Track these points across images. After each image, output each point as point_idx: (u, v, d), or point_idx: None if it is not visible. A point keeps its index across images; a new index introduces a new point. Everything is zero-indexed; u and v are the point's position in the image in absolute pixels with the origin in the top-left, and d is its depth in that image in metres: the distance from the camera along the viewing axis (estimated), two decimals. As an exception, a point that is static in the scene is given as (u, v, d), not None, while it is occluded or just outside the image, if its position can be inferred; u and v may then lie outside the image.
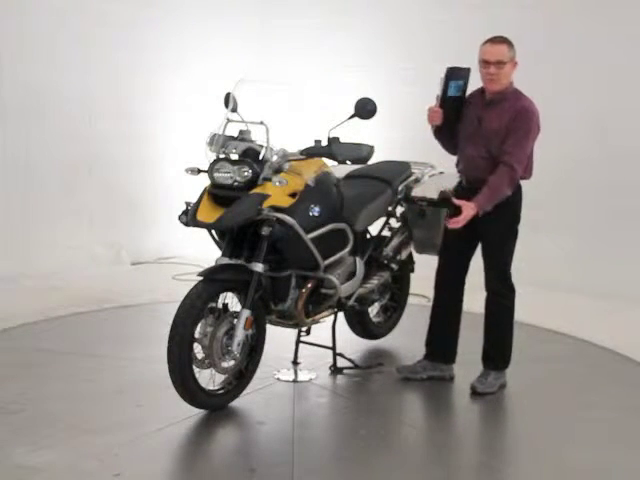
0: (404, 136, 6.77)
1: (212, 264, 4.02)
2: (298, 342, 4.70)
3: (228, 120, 4.15)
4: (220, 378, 4.11)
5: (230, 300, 4.09)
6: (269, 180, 3.97)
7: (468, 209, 4.16)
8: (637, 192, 6.54)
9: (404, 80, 7.18)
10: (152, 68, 7.40)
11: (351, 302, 4.64)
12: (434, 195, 4.59)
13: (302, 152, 4.18)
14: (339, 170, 4.74)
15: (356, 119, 4.13)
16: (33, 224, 6.78)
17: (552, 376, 4.77)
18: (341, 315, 4.85)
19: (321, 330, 4.66)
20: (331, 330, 4.65)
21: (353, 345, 5.06)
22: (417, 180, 4.96)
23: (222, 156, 4.06)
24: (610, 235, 6.58)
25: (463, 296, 4.58)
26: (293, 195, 4.10)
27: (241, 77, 4.24)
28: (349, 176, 4.86)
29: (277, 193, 4.00)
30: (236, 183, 4.00)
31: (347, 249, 4.49)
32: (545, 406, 4.34)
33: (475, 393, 4.42)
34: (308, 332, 4.62)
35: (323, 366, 4.69)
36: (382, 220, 4.96)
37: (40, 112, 6.75)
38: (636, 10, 6.51)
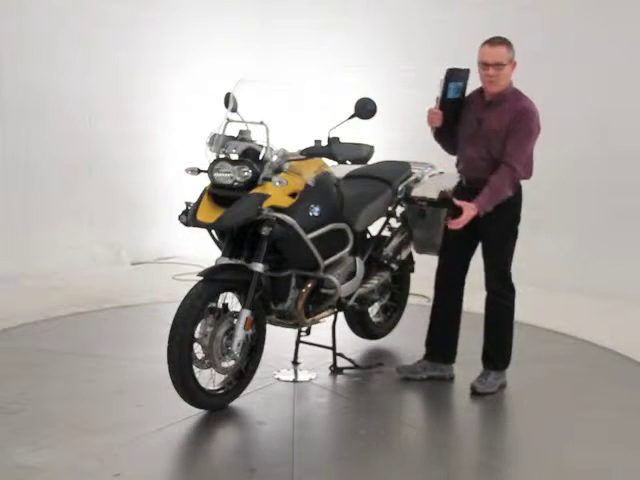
0: (404, 136, 6.77)
1: (212, 264, 4.02)
2: (298, 342, 4.70)
3: (228, 120, 4.15)
4: (220, 378, 4.11)
5: (230, 300, 4.09)
6: (269, 180, 3.97)
7: (469, 209, 4.16)
8: (637, 192, 6.54)
9: (404, 80, 7.18)
10: (152, 68, 7.40)
11: (351, 302, 4.64)
12: (434, 195, 4.59)
13: (302, 152, 4.18)
14: (339, 170, 4.74)
15: (356, 119, 4.13)
16: (33, 224, 6.78)
17: (552, 376, 4.77)
18: (341, 315, 4.85)
19: (321, 330, 4.66)
20: (331, 330, 4.65)
21: (353, 345, 5.06)
22: (417, 180, 4.97)
23: (222, 156, 4.06)
24: (610, 235, 6.58)
25: (463, 296, 4.58)
26: (293, 195, 4.10)
27: (241, 77, 4.24)
28: (349, 176, 4.86)
29: (277, 193, 4.00)
30: (236, 183, 4.00)
31: (347, 249, 4.49)
32: (545, 406, 4.34)
33: (475, 393, 4.42)
34: (308, 332, 4.62)
35: (323, 366, 4.69)
36: (382, 220, 4.96)
37: (40, 112, 6.75)
38: (635, 10, 6.51)
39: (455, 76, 4.30)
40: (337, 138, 4.12)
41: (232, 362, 4.03)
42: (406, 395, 4.53)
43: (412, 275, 5.28)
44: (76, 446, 3.64)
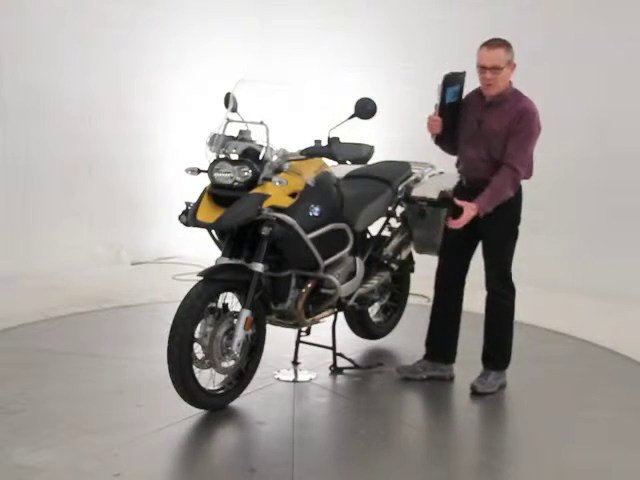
0: (404, 136, 6.77)
1: (212, 264, 4.02)
2: (298, 342, 4.70)
3: (228, 120, 4.15)
4: (220, 378, 4.11)
5: (230, 300, 4.09)
6: (269, 180, 3.97)
7: (469, 210, 4.16)
8: (637, 192, 6.54)
9: (404, 80, 7.19)
10: (152, 68, 7.40)
11: (351, 302, 4.64)
12: (434, 195, 4.60)
13: (302, 152, 4.19)
14: (339, 170, 4.74)
15: (356, 119, 4.13)
16: (33, 224, 6.78)
17: (552, 376, 4.77)
18: (341, 315, 4.85)
19: (321, 330, 4.66)
20: (331, 330, 4.65)
21: (353, 345, 5.06)
22: (417, 180, 4.97)
23: (222, 156, 4.06)
24: (610, 235, 6.58)
25: (463, 296, 4.58)
26: (293, 195, 4.10)
27: (241, 77, 4.24)
28: (349, 176, 4.86)
29: (277, 193, 4.00)
30: (236, 183, 4.00)
31: (347, 249, 4.49)
32: (545, 406, 4.34)
33: (475, 393, 4.42)
34: (308, 332, 4.62)
35: (323, 366, 4.69)
36: (382, 220, 4.96)
37: (40, 112, 6.75)
38: (635, 10, 6.51)
39: (452, 81, 4.30)
40: (337, 138, 4.12)
41: (232, 362, 4.02)
42: (406, 395, 4.53)
43: (412, 275, 5.28)
44: (76, 446, 3.64)
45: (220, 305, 4.02)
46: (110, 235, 7.28)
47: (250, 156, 4.04)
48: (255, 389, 4.29)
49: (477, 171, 4.32)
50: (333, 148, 4.11)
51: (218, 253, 4.13)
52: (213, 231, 4.19)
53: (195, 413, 4.01)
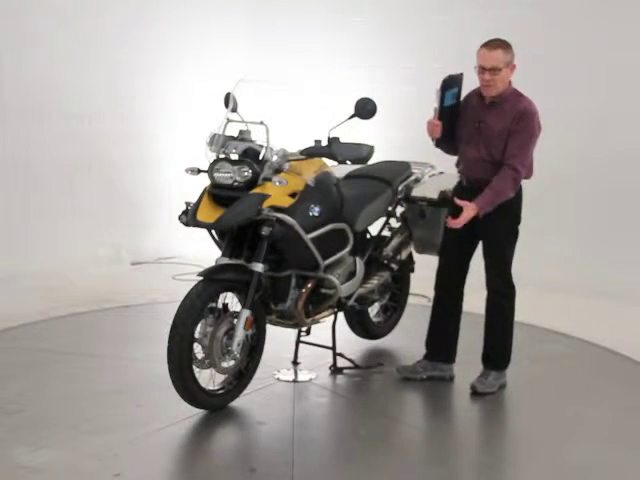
0: (404, 136, 6.76)
1: (212, 264, 4.02)
2: (298, 342, 4.70)
3: (228, 120, 4.15)
4: (220, 378, 4.11)
5: (230, 300, 4.09)
6: (269, 180, 3.97)
7: (469, 209, 4.16)
8: (637, 192, 6.54)
9: (404, 80, 7.18)
10: (152, 68, 7.40)
11: (351, 302, 4.64)
12: (434, 195, 4.60)
13: (302, 152, 4.19)
14: (339, 170, 4.74)
15: (356, 119, 4.13)
16: (33, 224, 6.78)
17: (552, 376, 4.77)
18: (341, 315, 4.85)
19: (321, 330, 4.65)
20: (331, 330, 4.65)
21: (353, 345, 5.06)
22: (417, 180, 4.97)
23: (222, 156, 4.06)
24: (610, 235, 6.58)
25: (463, 296, 4.58)
26: (293, 195, 4.10)
27: (241, 77, 4.24)
28: (349, 176, 4.86)
29: (277, 193, 4.00)
30: (236, 183, 4.00)
31: (347, 249, 4.49)
32: (545, 406, 4.34)
33: (475, 393, 4.42)
34: (308, 332, 4.62)
35: (323, 366, 4.69)
36: (382, 220, 4.96)
37: (40, 112, 6.75)
38: (635, 10, 6.51)
39: (450, 84, 4.29)
40: (337, 138, 4.12)
41: (232, 362, 4.02)
42: (406, 395, 4.53)
43: (412, 275, 5.28)
44: (76, 446, 3.65)
45: (220, 305, 4.02)
46: (110, 235, 7.27)
47: (250, 156, 4.04)
48: (255, 389, 4.29)
49: (477, 171, 4.31)
50: (333, 148, 4.11)
51: (218, 253, 4.13)
52: (213, 231, 4.19)
53: (195, 413, 4.01)
